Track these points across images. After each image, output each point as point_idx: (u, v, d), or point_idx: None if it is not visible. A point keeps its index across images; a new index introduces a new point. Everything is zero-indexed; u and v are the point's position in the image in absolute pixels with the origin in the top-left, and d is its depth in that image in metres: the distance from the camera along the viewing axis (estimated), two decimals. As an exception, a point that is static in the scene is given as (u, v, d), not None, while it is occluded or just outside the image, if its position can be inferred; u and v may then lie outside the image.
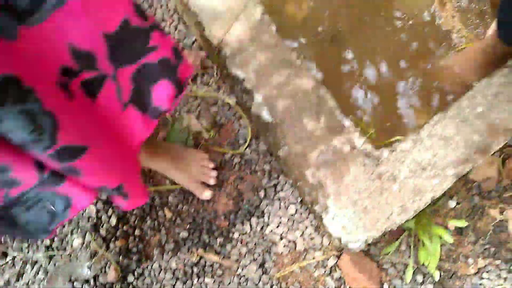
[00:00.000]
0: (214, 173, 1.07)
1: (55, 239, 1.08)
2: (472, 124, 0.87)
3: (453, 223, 0.99)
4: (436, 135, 0.87)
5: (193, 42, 1.17)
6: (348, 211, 0.83)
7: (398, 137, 0.95)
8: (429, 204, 1.02)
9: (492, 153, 0.87)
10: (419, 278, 1.03)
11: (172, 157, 1.01)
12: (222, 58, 0.97)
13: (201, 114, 1.14)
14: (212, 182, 1.06)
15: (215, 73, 1.14)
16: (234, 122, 1.14)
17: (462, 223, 0.98)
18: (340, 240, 0.83)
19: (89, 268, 1.03)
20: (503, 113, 0.88)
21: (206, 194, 1.05)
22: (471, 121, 0.88)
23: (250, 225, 1.07)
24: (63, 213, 0.64)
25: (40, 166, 0.57)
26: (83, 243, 1.05)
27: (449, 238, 0.95)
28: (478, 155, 0.86)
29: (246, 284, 1.03)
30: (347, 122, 0.90)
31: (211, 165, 1.07)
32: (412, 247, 1.01)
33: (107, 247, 1.04)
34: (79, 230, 1.07)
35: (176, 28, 1.20)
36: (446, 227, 1.05)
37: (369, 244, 1.04)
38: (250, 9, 0.96)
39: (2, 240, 1.09)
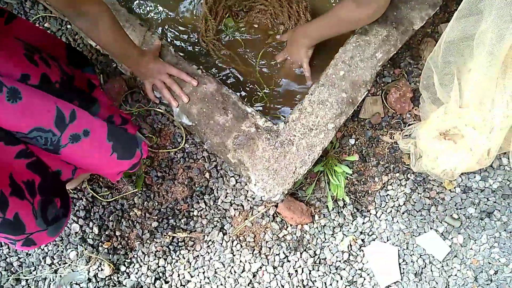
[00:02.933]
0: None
1: (55, 256, 1.33)
2: (339, 85, 1.14)
3: (348, 159, 1.30)
4: (315, 101, 1.14)
5: (115, 68, 1.37)
6: (264, 176, 1.10)
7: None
8: (332, 147, 1.31)
9: (359, 103, 1.16)
10: (341, 203, 1.34)
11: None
12: (138, 82, 1.19)
13: (141, 126, 1.37)
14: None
15: (141, 90, 1.36)
16: (169, 125, 1.38)
17: (354, 158, 1.29)
18: (263, 198, 1.11)
19: (88, 270, 1.30)
20: (360, 70, 1.15)
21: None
22: (338, 83, 1.15)
23: (205, 202, 1.35)
24: None
25: None
26: (78, 253, 1.32)
27: (348, 170, 1.26)
28: (348, 107, 1.14)
29: (214, 245, 1.33)
30: (249, 109, 1.15)
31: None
32: (327, 183, 1.32)
33: (97, 251, 1.31)
34: (71, 245, 1.32)
35: (97, 61, 1.39)
36: (351, 161, 1.35)
37: (296, 190, 1.33)
38: (147, 39, 1.18)
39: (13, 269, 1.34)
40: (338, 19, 1.11)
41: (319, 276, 1.29)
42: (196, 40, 1.37)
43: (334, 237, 1.32)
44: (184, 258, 1.32)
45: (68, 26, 1.45)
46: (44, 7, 1.45)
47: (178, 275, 1.31)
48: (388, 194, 1.36)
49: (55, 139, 0.84)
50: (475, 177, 1.32)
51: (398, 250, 1.30)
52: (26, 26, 0.96)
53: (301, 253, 1.30)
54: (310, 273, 1.29)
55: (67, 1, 0.81)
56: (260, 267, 1.30)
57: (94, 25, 0.88)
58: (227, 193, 1.35)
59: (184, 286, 1.30)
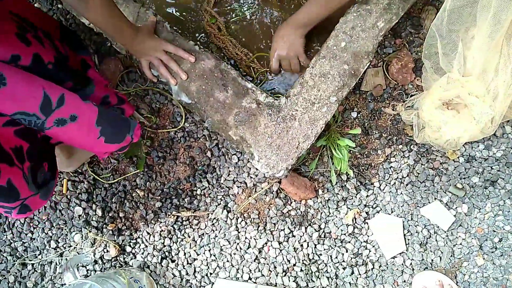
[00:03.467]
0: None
1: (59, 239, 1.33)
2: (341, 57, 1.12)
3: (351, 132, 1.28)
4: (316, 74, 1.12)
5: (109, 47, 1.34)
6: (267, 152, 1.09)
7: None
8: (334, 121, 1.29)
9: (361, 74, 1.13)
10: (344, 177, 1.34)
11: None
12: (134, 61, 1.16)
13: (139, 106, 1.34)
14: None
15: (137, 69, 1.33)
16: (168, 104, 1.35)
17: (356, 131, 1.27)
18: (266, 174, 1.10)
19: (94, 252, 1.30)
20: (361, 40, 1.12)
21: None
22: (339, 55, 1.12)
23: (208, 181, 1.34)
24: None
25: None
26: (82, 236, 1.31)
27: (351, 143, 1.24)
28: (350, 79, 1.12)
29: (218, 223, 1.33)
30: (249, 85, 1.13)
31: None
32: (330, 157, 1.31)
33: (102, 233, 1.30)
34: (75, 228, 1.32)
35: (91, 40, 1.36)
36: (353, 135, 1.34)
37: (299, 165, 1.33)
38: (141, 16, 1.14)
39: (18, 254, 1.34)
40: None
41: (324, 249, 1.30)
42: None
43: (339, 211, 1.32)
44: (190, 237, 1.32)
45: (59, 6, 1.40)
46: (32, -14, 1.41)
47: (184, 254, 1.31)
48: (391, 166, 1.35)
49: (40, 122, 0.83)
50: (478, 146, 1.31)
51: (403, 222, 1.30)
52: (20, 1, 0.93)
53: (306, 228, 1.30)
54: (315, 247, 1.30)
55: None
56: (266, 243, 1.30)
57: (85, 1, 0.85)
58: (229, 171, 1.34)
59: (190, 264, 1.31)
